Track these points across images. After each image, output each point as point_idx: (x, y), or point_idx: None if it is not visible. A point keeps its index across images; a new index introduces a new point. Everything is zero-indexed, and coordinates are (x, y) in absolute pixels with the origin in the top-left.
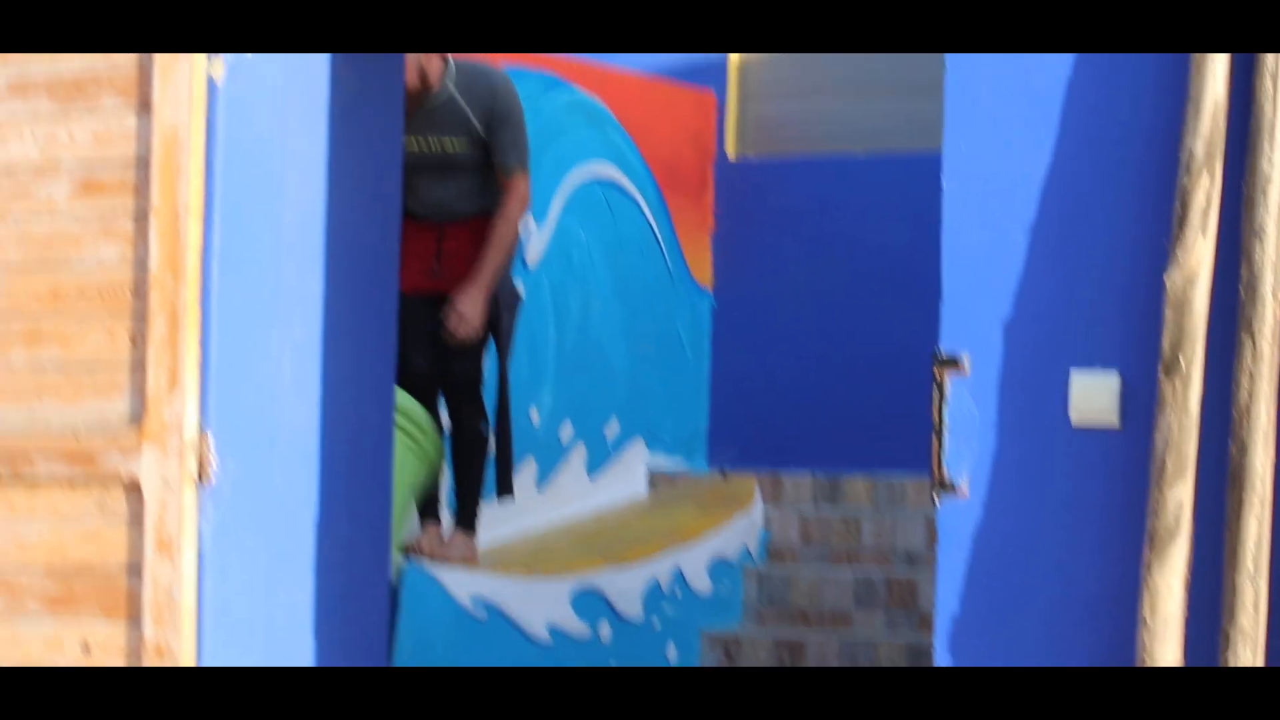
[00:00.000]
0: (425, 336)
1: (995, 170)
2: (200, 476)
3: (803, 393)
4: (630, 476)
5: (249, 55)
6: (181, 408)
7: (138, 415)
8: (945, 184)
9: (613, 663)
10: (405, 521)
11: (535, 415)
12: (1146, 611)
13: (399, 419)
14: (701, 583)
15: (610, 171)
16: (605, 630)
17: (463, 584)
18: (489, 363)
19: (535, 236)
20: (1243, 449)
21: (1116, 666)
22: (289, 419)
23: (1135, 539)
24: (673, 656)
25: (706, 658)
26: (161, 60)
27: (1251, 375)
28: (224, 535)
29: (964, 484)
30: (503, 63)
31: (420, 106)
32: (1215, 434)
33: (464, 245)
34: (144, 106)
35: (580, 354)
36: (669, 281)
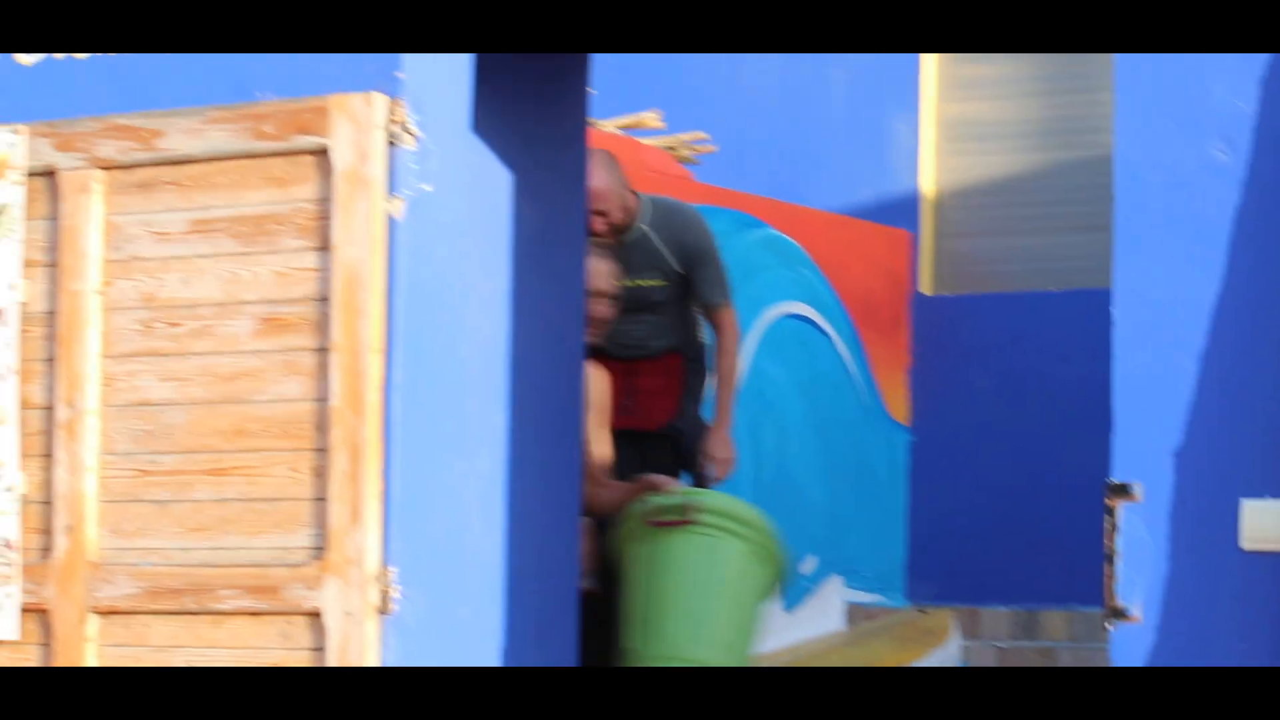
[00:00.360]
0: (620, 471)
1: (1164, 299)
2: (382, 608)
3: (1000, 526)
4: (827, 611)
5: (428, 190)
6: (363, 541)
7: (320, 548)
8: (1116, 314)
9: None
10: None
11: None
12: None
13: (732, 525)
14: None
15: (804, 309)
16: None
17: None
18: None
19: None
20: None
21: None
22: (475, 550)
23: None
24: None
25: None
26: (341, 198)
27: None
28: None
29: (1137, 610)
30: (694, 200)
31: (613, 246)
32: None
33: (657, 381)
34: (324, 244)
35: (776, 490)
36: (864, 417)
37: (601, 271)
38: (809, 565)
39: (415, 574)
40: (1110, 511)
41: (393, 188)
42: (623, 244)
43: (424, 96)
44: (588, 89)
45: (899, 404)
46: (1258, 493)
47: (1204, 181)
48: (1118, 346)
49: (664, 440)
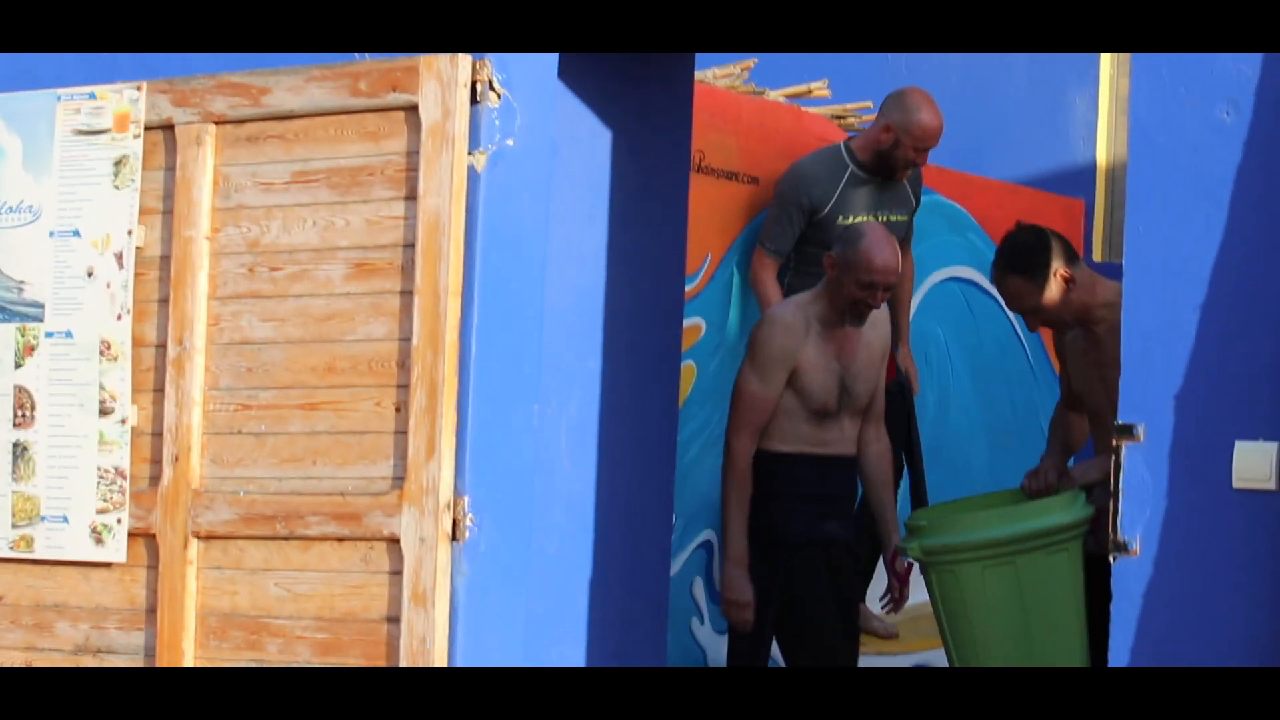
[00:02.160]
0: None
1: (1170, 254)
2: (455, 535)
3: None
4: None
5: (510, 145)
6: (438, 472)
7: (399, 478)
8: (1126, 267)
9: None
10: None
11: None
12: None
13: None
14: None
15: (970, 273)
16: None
17: None
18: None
19: None
20: None
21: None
22: (563, 488)
23: None
24: None
25: None
26: (427, 151)
27: None
28: (478, 591)
29: (1137, 544)
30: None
31: (857, 179)
32: None
33: None
34: (411, 194)
35: (938, 450)
36: (1031, 377)
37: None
38: None
39: (489, 505)
40: (1116, 451)
41: (475, 142)
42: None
43: (510, 57)
44: (693, 56)
45: None
46: (1251, 435)
47: (1210, 142)
48: (1127, 297)
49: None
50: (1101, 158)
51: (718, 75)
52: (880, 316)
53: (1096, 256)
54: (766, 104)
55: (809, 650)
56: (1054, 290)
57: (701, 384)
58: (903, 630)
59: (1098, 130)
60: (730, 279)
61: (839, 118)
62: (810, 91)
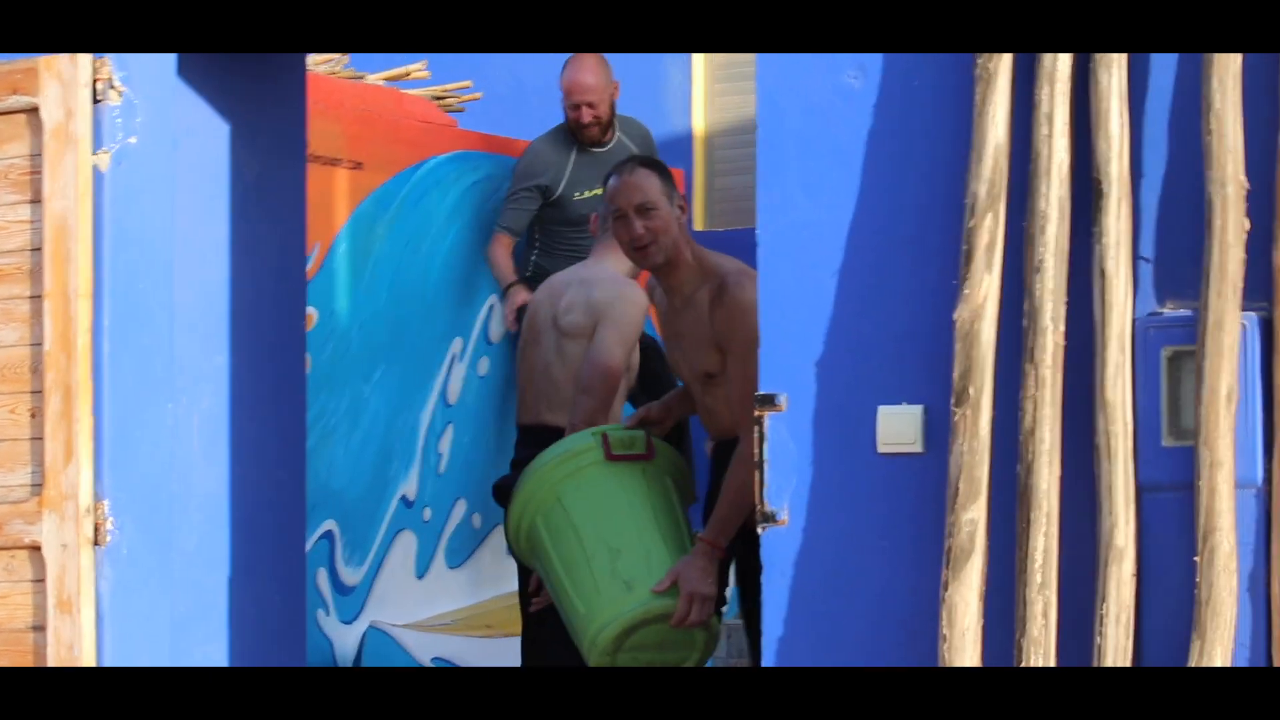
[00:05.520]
0: None
1: (804, 220)
2: (96, 540)
3: None
4: None
5: (132, 143)
6: (76, 477)
7: (38, 485)
8: (760, 233)
9: None
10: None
11: None
12: (945, 626)
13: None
14: None
15: None
16: None
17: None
18: None
19: None
20: (1029, 470)
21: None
22: (199, 485)
23: (939, 557)
24: None
25: None
26: (50, 153)
27: (1035, 401)
28: (123, 594)
29: (785, 513)
30: (460, 148)
31: (586, 154)
32: (1006, 458)
33: None
34: (36, 197)
35: None
36: None
37: (643, 185)
38: None
39: (130, 508)
40: (759, 421)
41: (99, 142)
42: (603, 149)
43: (130, 56)
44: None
45: None
46: (894, 400)
47: (839, 107)
48: (762, 266)
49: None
50: (698, 125)
51: (317, 62)
52: None
53: (698, 225)
54: (367, 88)
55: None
56: (669, 212)
57: (315, 373)
58: None
59: (692, 99)
60: (339, 266)
61: (439, 98)
62: (409, 74)
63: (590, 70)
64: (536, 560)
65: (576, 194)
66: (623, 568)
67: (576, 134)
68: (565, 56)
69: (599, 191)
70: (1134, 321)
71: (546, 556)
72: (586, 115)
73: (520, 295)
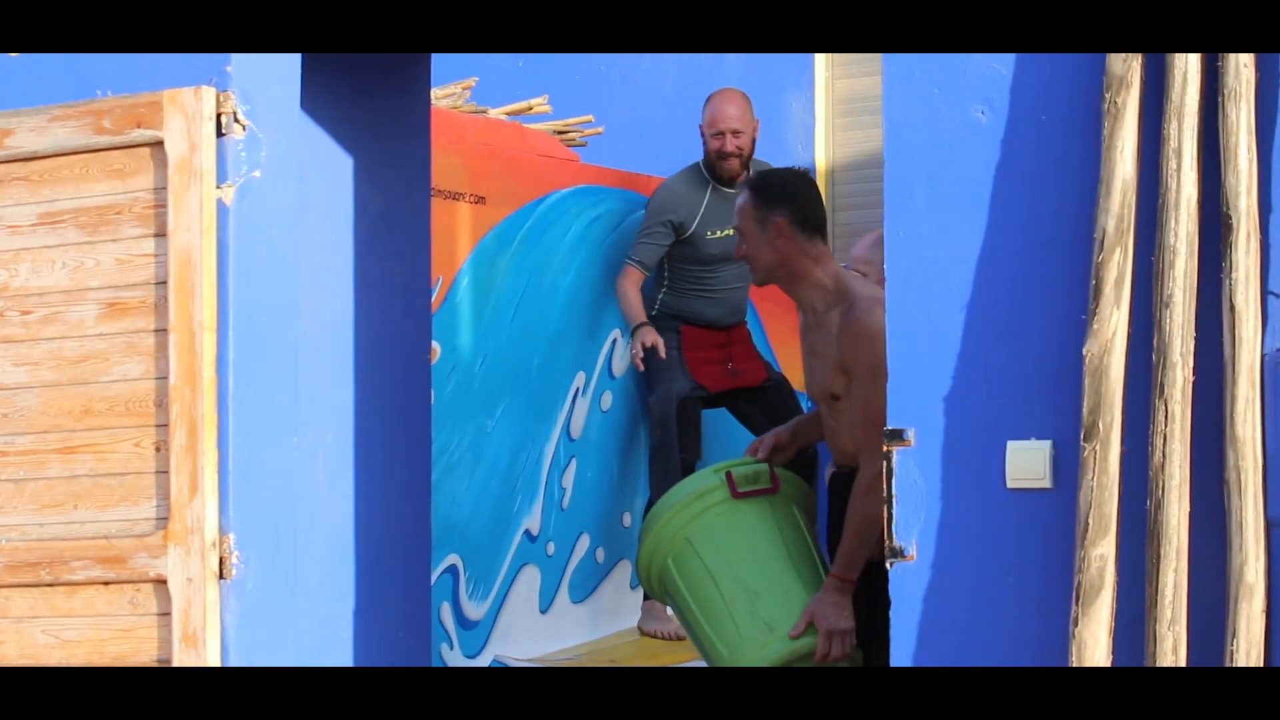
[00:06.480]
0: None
1: (932, 254)
2: (222, 574)
3: None
4: None
5: (256, 177)
6: (201, 510)
7: (163, 519)
8: (888, 269)
9: None
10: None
11: None
12: (1075, 661)
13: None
14: None
15: None
16: None
17: None
18: None
19: None
20: (1159, 506)
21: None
22: (324, 517)
23: (1068, 593)
24: None
25: None
26: (175, 186)
27: (1164, 436)
28: (248, 628)
29: (913, 549)
30: (582, 182)
31: (720, 194)
32: (1135, 493)
33: (746, 334)
34: (160, 231)
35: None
36: None
37: (738, 209)
38: None
39: (255, 541)
40: (887, 457)
41: (223, 176)
42: (735, 190)
43: (253, 89)
44: (429, 82)
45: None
46: (1023, 435)
47: (967, 141)
48: (890, 301)
49: (765, 394)
50: (820, 160)
51: (439, 95)
52: None
53: None
54: (489, 122)
55: None
56: (762, 230)
57: (439, 407)
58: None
59: (815, 133)
60: (462, 300)
61: (561, 133)
62: (531, 108)
63: (735, 102)
64: (670, 600)
65: (709, 233)
66: (763, 609)
67: (716, 167)
68: (682, 87)
69: (730, 232)
70: (1263, 356)
71: (681, 598)
72: (730, 144)
73: (649, 336)
